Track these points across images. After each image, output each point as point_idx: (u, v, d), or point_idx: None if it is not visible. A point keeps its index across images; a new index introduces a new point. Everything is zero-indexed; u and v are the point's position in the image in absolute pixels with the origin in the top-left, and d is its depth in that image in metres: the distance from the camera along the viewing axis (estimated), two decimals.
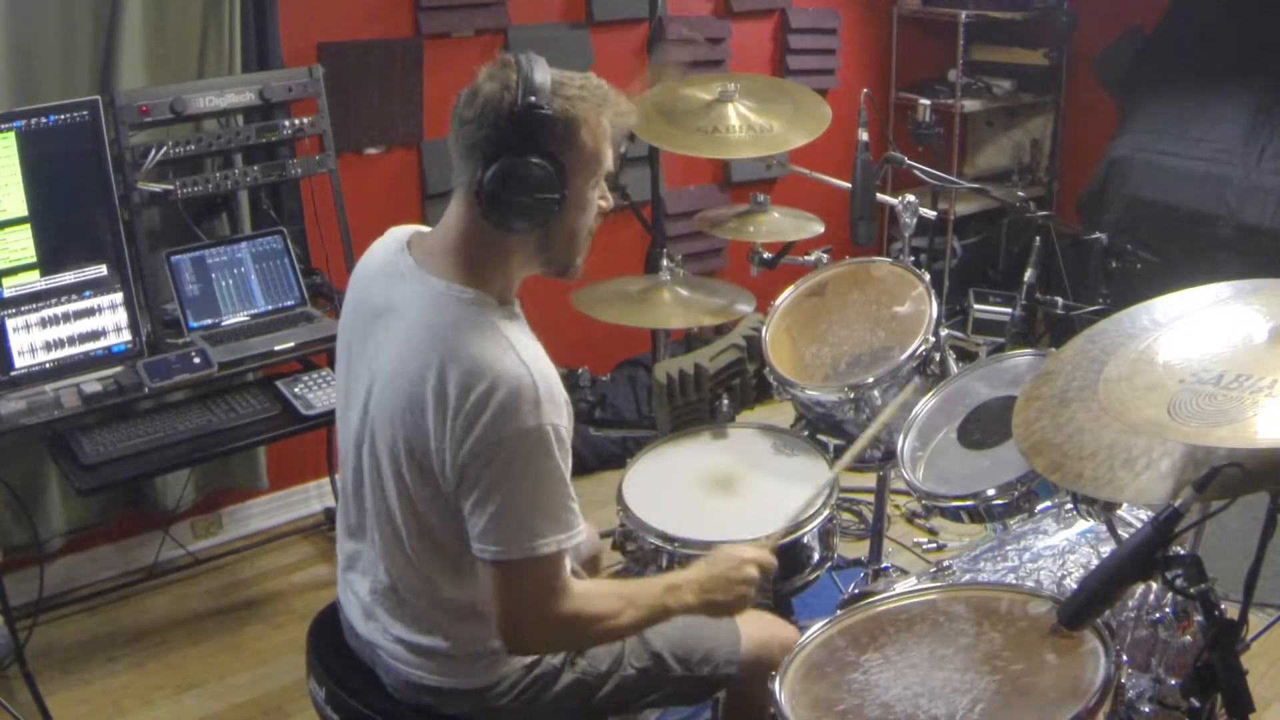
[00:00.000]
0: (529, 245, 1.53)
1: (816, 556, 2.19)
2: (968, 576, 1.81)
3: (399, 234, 1.64)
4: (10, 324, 2.45)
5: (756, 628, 1.81)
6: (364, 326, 1.59)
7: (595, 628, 1.53)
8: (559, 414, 1.46)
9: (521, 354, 1.46)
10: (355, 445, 1.60)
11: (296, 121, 2.83)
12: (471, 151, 1.47)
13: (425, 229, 1.64)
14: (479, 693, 1.62)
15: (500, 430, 1.41)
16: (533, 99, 1.43)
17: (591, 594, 1.54)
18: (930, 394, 2.29)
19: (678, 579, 1.62)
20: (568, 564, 1.50)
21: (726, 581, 1.64)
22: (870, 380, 2.32)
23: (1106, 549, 1.76)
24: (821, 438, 2.50)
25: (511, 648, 1.54)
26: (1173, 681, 1.56)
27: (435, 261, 1.54)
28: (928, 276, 2.48)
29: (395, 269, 1.58)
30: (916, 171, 2.77)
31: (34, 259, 2.48)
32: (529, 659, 1.64)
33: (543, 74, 1.45)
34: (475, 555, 1.47)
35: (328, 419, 2.58)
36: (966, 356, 2.68)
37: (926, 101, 3.55)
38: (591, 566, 2.07)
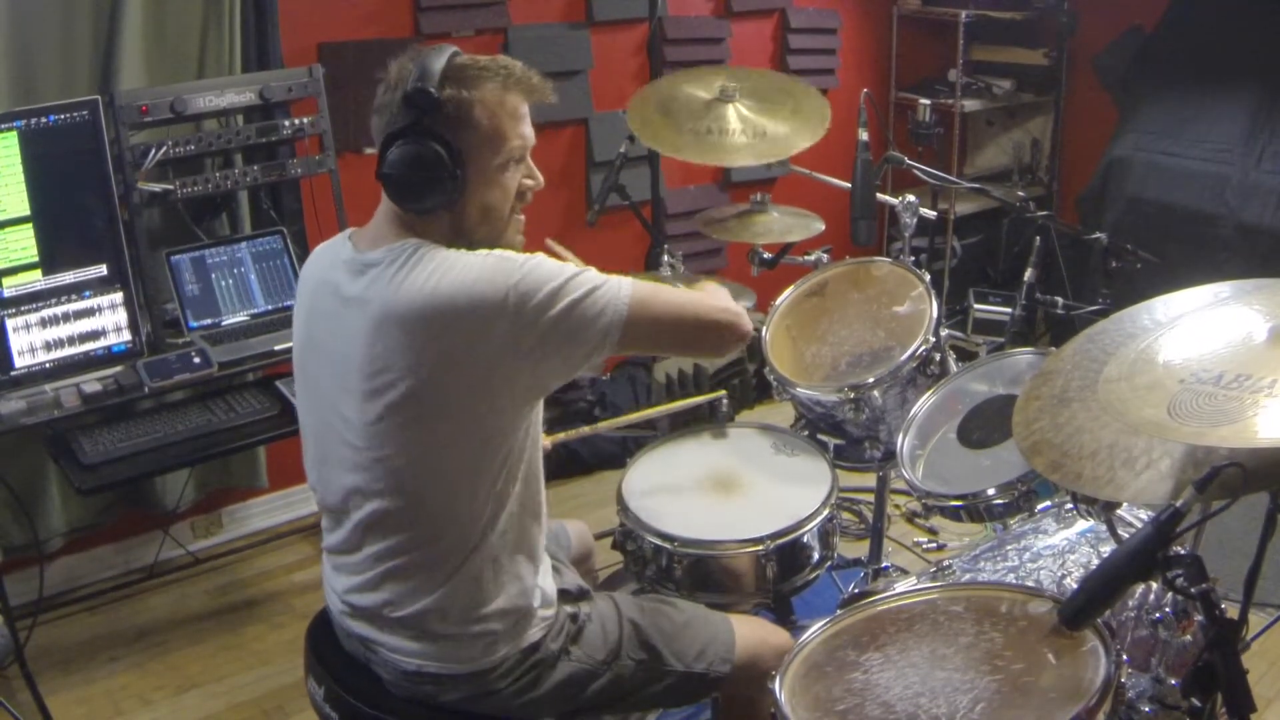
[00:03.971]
0: (443, 226, 1.57)
1: (816, 556, 2.19)
2: (968, 576, 1.81)
3: (342, 233, 1.69)
4: (10, 324, 2.45)
5: (750, 630, 1.83)
6: (331, 314, 1.61)
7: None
8: None
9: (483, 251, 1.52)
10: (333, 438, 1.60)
11: (296, 121, 2.83)
12: (378, 140, 1.54)
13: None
14: (477, 676, 1.62)
15: (530, 279, 1.47)
16: (419, 85, 1.48)
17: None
18: (930, 393, 2.29)
19: None
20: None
21: None
22: (870, 380, 2.32)
23: (1106, 549, 1.76)
24: (821, 438, 2.50)
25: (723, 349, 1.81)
26: (1173, 681, 1.56)
27: (374, 243, 1.58)
28: (928, 276, 2.48)
29: (338, 255, 1.62)
30: (916, 171, 2.77)
31: (35, 258, 2.48)
32: (524, 643, 1.64)
33: (438, 61, 1.51)
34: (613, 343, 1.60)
35: None
36: (966, 356, 2.68)
37: (926, 101, 3.56)
38: (583, 564, 2.07)
